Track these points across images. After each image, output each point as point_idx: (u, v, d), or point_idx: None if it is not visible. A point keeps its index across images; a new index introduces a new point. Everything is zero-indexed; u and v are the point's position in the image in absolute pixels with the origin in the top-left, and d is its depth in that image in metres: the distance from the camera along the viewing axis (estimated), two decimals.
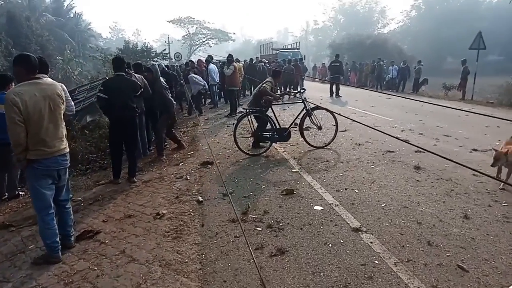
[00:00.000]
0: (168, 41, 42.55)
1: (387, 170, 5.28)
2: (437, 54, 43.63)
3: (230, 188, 4.80)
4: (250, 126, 6.70)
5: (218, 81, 13.47)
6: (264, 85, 6.79)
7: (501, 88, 16.18)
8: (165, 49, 32.07)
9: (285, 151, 6.80)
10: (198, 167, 6.04)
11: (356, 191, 4.49)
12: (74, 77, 31.17)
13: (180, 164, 6.33)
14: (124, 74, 5.40)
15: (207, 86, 12.08)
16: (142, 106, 7.52)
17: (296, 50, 25.02)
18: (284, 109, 10.88)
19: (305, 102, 6.83)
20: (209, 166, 6.05)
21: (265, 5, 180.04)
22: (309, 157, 6.33)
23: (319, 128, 6.85)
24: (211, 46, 57.59)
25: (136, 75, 6.57)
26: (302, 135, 6.91)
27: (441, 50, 44.19)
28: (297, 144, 7.11)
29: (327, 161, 5.96)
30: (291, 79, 16.62)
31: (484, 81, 16.65)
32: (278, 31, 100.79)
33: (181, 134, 9.26)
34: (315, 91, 18.72)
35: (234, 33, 62.94)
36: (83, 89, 14.58)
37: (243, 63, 16.82)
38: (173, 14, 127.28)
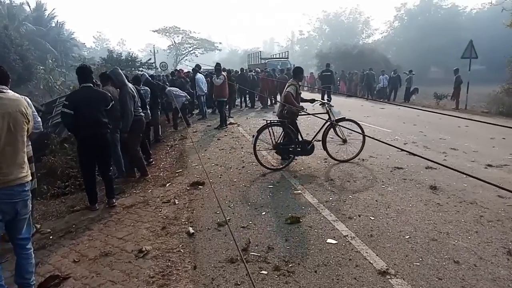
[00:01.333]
0: (154, 50, 41.78)
1: (401, 191, 4.72)
2: (421, 63, 44.23)
3: (226, 215, 4.15)
4: (271, 138, 6.10)
5: (206, 91, 12.88)
6: (287, 90, 6.22)
7: (488, 97, 16.12)
8: (150, 59, 31.36)
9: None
10: (188, 188, 5.37)
11: (372, 218, 3.90)
12: (57, 87, 30.14)
13: (167, 185, 5.64)
14: (91, 85, 4.71)
15: (189, 96, 11.31)
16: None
17: (285, 59, 24.65)
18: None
19: (330, 113, 6.28)
20: (200, 187, 5.39)
21: (251, 15, 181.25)
22: (310, 175, 5.73)
23: (344, 141, 6.29)
24: (197, 56, 57.06)
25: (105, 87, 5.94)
26: (325, 148, 6.36)
27: (425, 59, 44.87)
28: (295, 158, 6.51)
29: (331, 180, 5.38)
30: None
31: (469, 90, 16.49)
32: (264, 41, 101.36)
33: (168, 148, 8.57)
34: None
35: (220, 43, 62.77)
36: (63, 99, 13.76)
37: (233, 72, 16.30)
38: (159, 23, 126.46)
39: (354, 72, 23.93)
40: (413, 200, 4.39)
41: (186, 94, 11.06)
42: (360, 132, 6.00)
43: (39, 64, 30.98)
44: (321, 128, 6.31)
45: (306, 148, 6.12)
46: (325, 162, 6.38)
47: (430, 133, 8.84)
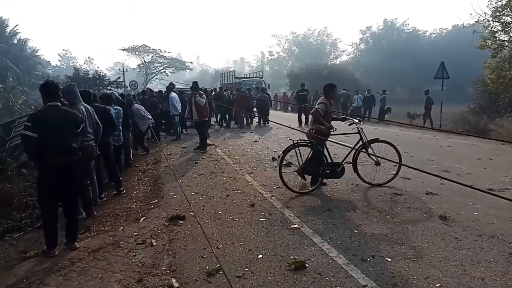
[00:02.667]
0: (123, 69, 40.61)
1: (410, 223, 4.23)
2: (386, 84, 45.86)
3: (215, 260, 3.47)
4: (298, 160, 5.58)
5: (180, 111, 12.21)
6: (316, 107, 5.73)
7: (455, 116, 16.49)
8: (119, 77, 30.30)
9: (272, 196, 5.59)
10: (166, 224, 4.64)
11: (388, 259, 3.35)
12: (18, 106, 28.16)
13: (142, 220, 4.87)
14: (59, 104, 3.98)
15: (153, 120, 10.29)
16: (109, 141, 6.12)
17: (259, 78, 24.45)
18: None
19: (361, 133, 5.77)
20: (180, 222, 4.67)
21: (221, 35, 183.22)
22: (303, 204, 5.16)
23: (377, 164, 5.79)
24: (168, 75, 56.18)
25: (84, 105, 5.18)
26: (356, 171, 5.86)
27: (390, 80, 46.56)
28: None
29: (328, 210, 4.82)
30: (264, 107, 15.89)
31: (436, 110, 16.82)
32: (234, 61, 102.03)
33: (140, 174, 7.75)
34: (281, 120, 17.94)
35: (191, 62, 62.34)
36: (25, 120, 12.57)
37: (209, 91, 15.76)
38: (128, 42, 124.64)
39: None
40: (427, 234, 3.90)
41: (151, 117, 10.10)
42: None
43: None
44: (351, 149, 5.77)
45: (336, 170, 5.63)
46: (319, 189, 5.84)
47: (416, 154, 8.59)
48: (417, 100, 22.71)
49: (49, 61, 60.48)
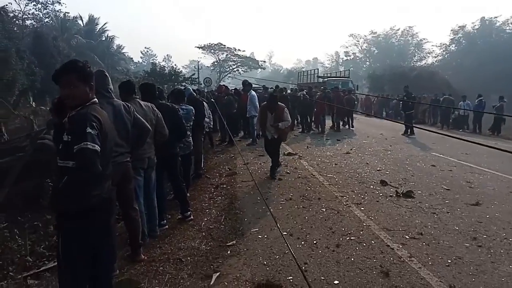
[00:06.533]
0: (198, 66, 40.93)
1: None
2: (480, 90, 40.24)
3: None
4: None
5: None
6: None
7: None
8: (194, 74, 30.06)
9: (411, 255, 3.56)
10: None
11: None
12: None
13: (214, 279, 3.21)
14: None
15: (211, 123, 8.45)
16: (177, 151, 4.71)
17: (346, 78, 22.01)
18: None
19: None
20: None
21: (293, 35, 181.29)
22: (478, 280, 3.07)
23: None
24: (240, 73, 55.88)
25: (143, 103, 3.70)
26: None
27: (484, 85, 40.37)
28: (410, 231, 3.88)
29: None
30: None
31: None
32: (307, 61, 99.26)
33: (212, 190, 6.20)
34: (368, 126, 15.56)
35: (264, 61, 61.55)
36: None
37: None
38: (204, 41, 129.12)
39: (422, 96, 20.75)
40: None
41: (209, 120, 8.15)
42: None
43: None
44: None
45: None
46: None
47: None
48: None
49: (131, 58, 64.09)
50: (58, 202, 2.08)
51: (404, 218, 4.59)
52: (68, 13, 37.83)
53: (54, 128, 2.16)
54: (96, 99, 2.24)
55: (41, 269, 3.91)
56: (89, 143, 1.96)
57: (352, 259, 3.48)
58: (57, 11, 34.35)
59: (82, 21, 44.10)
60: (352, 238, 3.97)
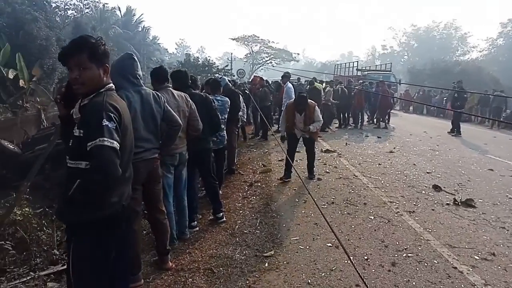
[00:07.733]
0: (231, 58, 40.65)
1: None
2: None
3: None
4: None
5: None
6: None
7: None
8: (227, 65, 29.80)
9: (487, 283, 2.95)
10: None
11: None
12: None
13: None
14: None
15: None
16: (210, 145, 4.31)
17: (388, 72, 20.83)
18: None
19: None
20: None
21: (328, 28, 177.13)
22: None
23: None
24: (274, 66, 55.08)
25: (176, 92, 3.30)
26: None
27: None
28: (479, 249, 3.25)
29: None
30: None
31: None
32: (341, 55, 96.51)
33: (246, 188, 5.78)
34: (408, 123, 14.59)
35: (298, 54, 60.35)
36: None
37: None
38: (237, 33, 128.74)
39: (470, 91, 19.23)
40: None
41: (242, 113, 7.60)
42: None
43: None
44: None
45: None
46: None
47: None
48: None
49: (166, 49, 64.90)
50: (68, 211, 1.70)
51: (468, 233, 3.95)
52: (107, 4, 38.52)
53: (60, 122, 1.77)
54: (112, 85, 1.83)
55: (60, 268, 3.63)
56: (106, 138, 1.56)
57: (414, 283, 2.93)
58: (97, 1, 35.05)
59: (120, 12, 44.94)
60: (409, 255, 3.40)
